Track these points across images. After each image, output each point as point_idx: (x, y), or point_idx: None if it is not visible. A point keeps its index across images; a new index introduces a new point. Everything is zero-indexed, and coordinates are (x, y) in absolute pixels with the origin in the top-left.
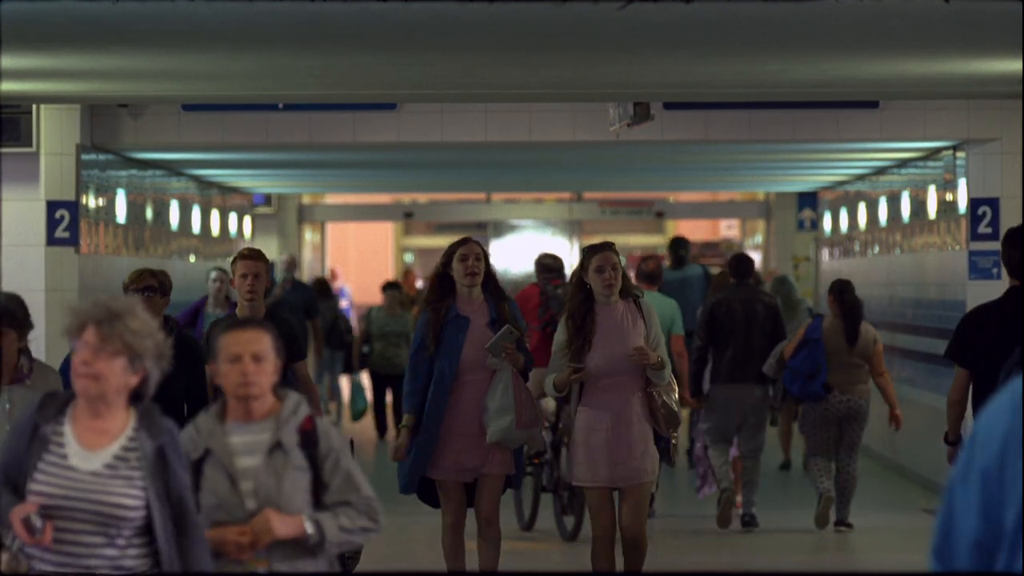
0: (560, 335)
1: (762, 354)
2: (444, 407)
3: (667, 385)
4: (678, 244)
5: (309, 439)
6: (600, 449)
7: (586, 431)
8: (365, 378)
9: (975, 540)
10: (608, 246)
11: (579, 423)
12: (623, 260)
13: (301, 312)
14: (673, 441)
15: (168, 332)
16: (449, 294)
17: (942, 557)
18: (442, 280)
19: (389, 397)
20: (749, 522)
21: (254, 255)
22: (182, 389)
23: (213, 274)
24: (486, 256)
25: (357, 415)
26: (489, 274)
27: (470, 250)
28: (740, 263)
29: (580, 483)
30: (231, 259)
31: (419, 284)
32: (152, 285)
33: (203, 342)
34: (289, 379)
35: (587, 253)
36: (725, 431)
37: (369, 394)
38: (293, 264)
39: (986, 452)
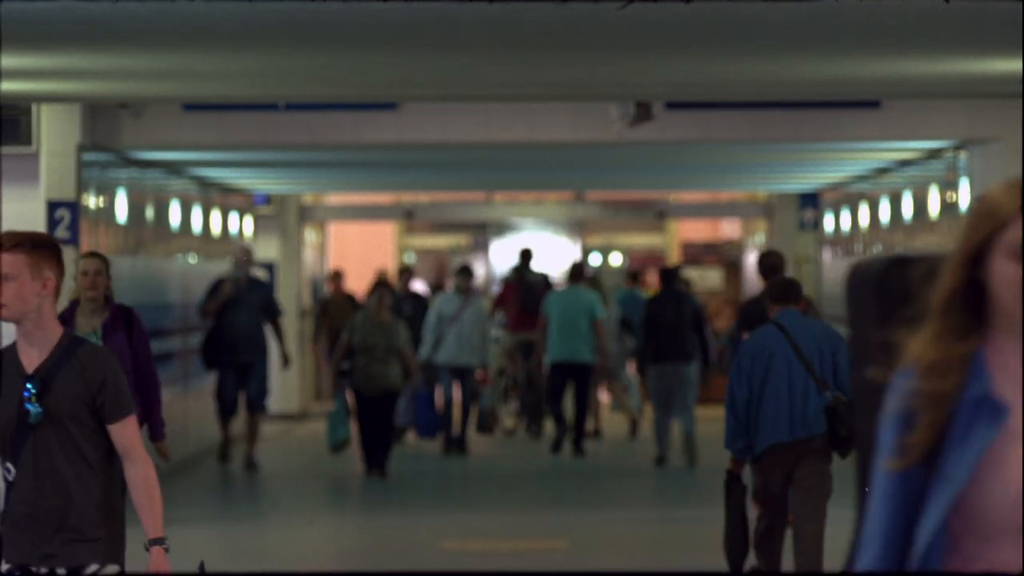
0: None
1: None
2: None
3: None
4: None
5: None
6: None
7: None
8: (350, 399)
9: (745, 399)
10: None
11: None
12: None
13: (257, 315)
14: None
15: None
16: None
17: (731, 408)
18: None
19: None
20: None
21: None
22: None
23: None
24: None
25: (336, 446)
26: None
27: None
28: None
29: None
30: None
31: (417, 286)
32: None
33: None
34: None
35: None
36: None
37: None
38: (248, 258)
39: (749, 361)
